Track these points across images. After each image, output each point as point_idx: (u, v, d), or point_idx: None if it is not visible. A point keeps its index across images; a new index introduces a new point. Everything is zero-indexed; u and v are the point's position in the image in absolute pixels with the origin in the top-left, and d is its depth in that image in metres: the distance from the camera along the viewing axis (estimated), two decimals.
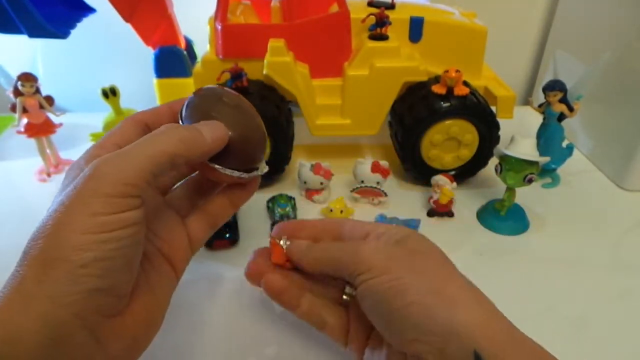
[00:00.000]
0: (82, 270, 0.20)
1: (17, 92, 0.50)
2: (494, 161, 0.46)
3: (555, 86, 0.48)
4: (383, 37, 0.50)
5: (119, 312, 0.22)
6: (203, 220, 0.29)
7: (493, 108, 0.49)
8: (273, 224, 0.44)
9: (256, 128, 0.27)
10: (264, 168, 0.29)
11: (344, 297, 0.30)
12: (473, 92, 0.48)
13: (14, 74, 0.50)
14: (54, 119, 0.53)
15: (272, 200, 0.46)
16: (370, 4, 0.54)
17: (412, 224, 0.44)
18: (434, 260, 0.26)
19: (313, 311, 0.30)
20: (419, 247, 0.27)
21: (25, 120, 0.51)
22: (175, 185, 0.30)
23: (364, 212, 0.47)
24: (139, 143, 0.22)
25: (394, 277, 0.24)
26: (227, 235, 0.42)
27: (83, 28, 0.50)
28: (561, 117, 0.50)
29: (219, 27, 0.48)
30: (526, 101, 0.73)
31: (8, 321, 0.19)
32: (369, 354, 0.28)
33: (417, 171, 0.51)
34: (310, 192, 0.49)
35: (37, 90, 0.50)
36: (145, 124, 0.26)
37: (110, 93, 0.51)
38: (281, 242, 0.30)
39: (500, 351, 0.21)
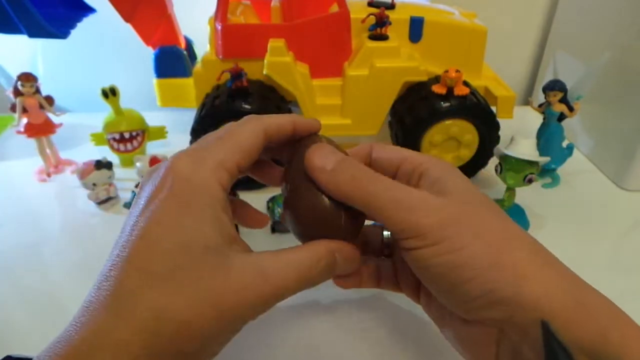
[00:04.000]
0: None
1: (17, 92, 0.50)
2: (494, 161, 0.46)
3: (555, 86, 0.48)
4: (383, 37, 0.50)
5: None
6: None
7: (493, 108, 0.49)
8: (273, 224, 0.44)
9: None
10: None
11: (385, 248, 0.30)
12: (473, 92, 0.48)
13: (14, 74, 0.50)
14: (54, 119, 0.53)
15: (272, 200, 0.46)
16: (370, 4, 0.54)
17: None
18: (490, 215, 0.22)
19: (371, 278, 0.29)
20: (469, 197, 0.23)
21: (25, 120, 0.51)
22: None
23: None
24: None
25: (449, 249, 0.21)
26: None
27: (83, 28, 0.50)
28: (561, 117, 0.50)
29: (219, 27, 0.48)
30: (526, 101, 0.73)
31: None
32: (426, 298, 0.27)
33: None
34: None
35: (37, 90, 0.50)
36: (270, 140, 0.25)
37: (110, 93, 0.51)
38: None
39: (569, 320, 0.20)
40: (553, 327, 0.19)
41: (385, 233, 0.30)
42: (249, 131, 0.24)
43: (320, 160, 0.23)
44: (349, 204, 0.23)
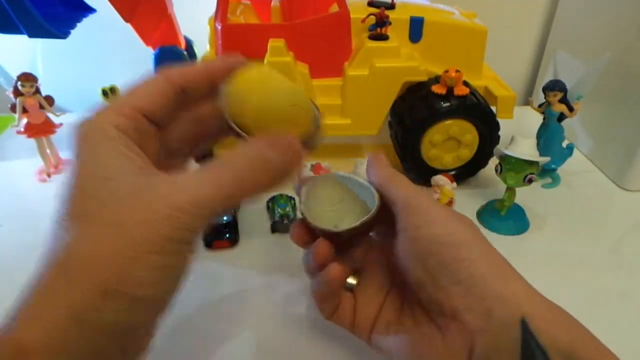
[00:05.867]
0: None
1: (17, 92, 0.50)
2: (494, 161, 0.46)
3: (555, 86, 0.48)
4: (383, 37, 0.50)
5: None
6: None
7: (493, 108, 0.49)
8: (273, 224, 0.44)
9: None
10: None
11: (348, 284, 0.30)
12: (473, 92, 0.48)
13: (14, 74, 0.50)
14: (54, 119, 0.53)
15: (272, 200, 0.46)
16: (370, 4, 0.54)
17: None
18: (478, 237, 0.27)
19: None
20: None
21: (25, 121, 0.51)
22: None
23: None
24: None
25: (450, 231, 0.25)
26: (227, 236, 0.42)
27: (83, 28, 0.50)
28: (561, 117, 0.50)
29: (219, 27, 0.48)
30: (526, 101, 0.73)
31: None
32: (379, 336, 0.28)
33: (417, 171, 0.50)
34: None
35: (37, 90, 0.50)
36: (182, 89, 0.24)
37: (110, 93, 0.51)
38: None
39: (548, 321, 0.21)
40: (532, 327, 0.20)
41: (349, 280, 0.30)
42: (148, 78, 0.24)
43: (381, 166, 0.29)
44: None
